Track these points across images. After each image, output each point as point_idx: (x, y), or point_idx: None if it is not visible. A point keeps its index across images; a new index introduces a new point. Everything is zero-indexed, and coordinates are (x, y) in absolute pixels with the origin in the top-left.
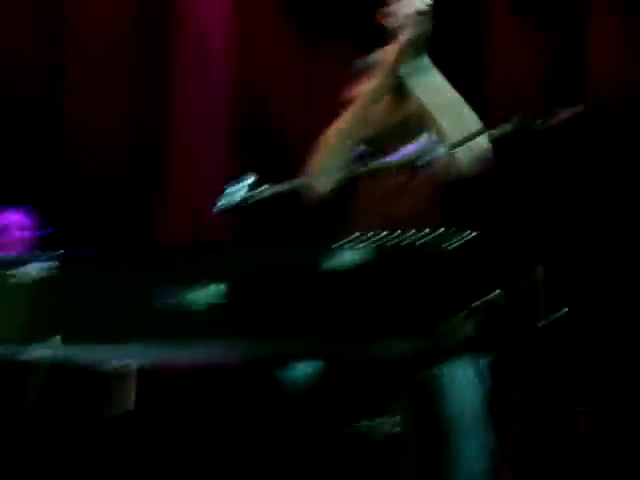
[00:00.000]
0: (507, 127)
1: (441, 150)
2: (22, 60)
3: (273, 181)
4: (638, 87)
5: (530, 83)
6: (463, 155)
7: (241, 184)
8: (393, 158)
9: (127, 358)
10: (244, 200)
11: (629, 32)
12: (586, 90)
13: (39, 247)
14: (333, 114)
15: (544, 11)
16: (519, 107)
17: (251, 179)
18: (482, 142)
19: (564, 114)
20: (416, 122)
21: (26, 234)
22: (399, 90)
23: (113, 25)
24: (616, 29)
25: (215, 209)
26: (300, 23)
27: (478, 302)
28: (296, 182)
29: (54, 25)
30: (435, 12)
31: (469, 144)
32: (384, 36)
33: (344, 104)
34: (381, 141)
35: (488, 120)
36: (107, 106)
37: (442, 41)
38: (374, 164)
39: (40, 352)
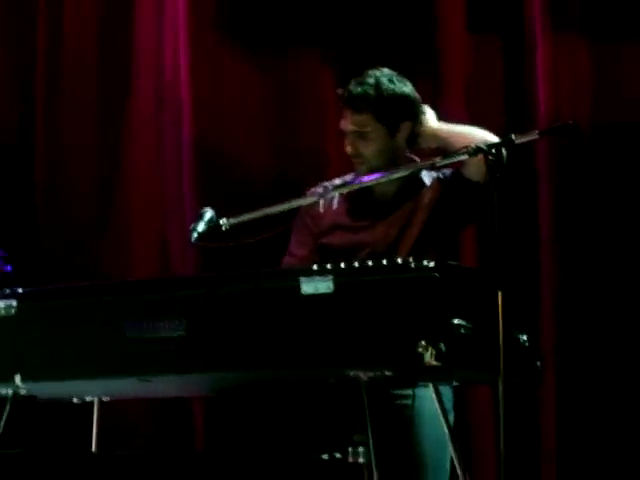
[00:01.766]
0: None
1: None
2: None
3: (232, 213)
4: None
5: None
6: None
7: (202, 217)
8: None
9: (91, 393)
10: (205, 232)
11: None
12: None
13: (1, 285)
14: (296, 148)
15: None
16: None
17: (211, 212)
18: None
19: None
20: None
21: None
22: None
23: (78, 73)
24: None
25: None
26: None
27: (441, 330)
28: (256, 212)
29: (27, 76)
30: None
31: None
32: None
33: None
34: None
35: None
36: (77, 157)
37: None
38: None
39: (2, 390)
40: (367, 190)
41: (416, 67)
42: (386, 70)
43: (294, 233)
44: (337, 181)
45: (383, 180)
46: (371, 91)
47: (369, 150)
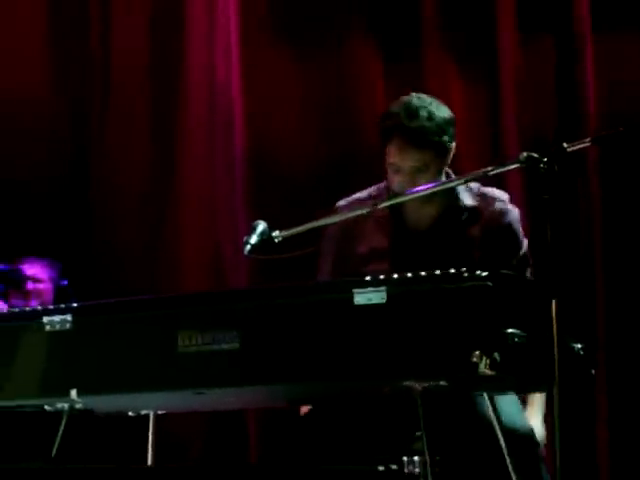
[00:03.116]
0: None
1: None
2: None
3: (286, 223)
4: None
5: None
6: None
7: (255, 230)
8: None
9: (146, 406)
10: (258, 245)
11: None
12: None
13: (57, 299)
14: (351, 149)
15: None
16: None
17: (263, 224)
18: None
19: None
20: None
21: (42, 286)
22: None
23: (130, 90)
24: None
25: (239, 254)
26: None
27: (496, 339)
28: (308, 224)
29: (85, 97)
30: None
31: None
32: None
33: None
34: None
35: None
36: (130, 164)
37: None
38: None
39: (59, 404)
40: (400, 218)
41: (473, 65)
42: (425, 96)
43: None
44: (365, 193)
45: (435, 190)
46: (429, 124)
47: (425, 182)
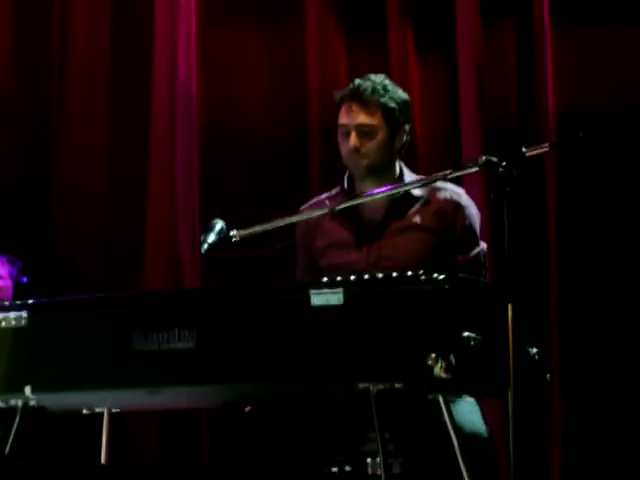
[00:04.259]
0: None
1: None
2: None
3: (245, 224)
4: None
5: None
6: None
7: (212, 228)
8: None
9: (101, 404)
10: (216, 244)
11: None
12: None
13: (17, 296)
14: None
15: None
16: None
17: (221, 223)
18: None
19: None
20: None
21: (2, 283)
22: None
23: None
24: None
25: (196, 253)
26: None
27: (451, 343)
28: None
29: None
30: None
31: None
32: None
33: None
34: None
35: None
36: (89, 163)
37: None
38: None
39: (13, 401)
40: (354, 213)
41: (434, 49)
42: (384, 76)
43: (297, 248)
44: (324, 195)
45: (393, 192)
46: (380, 89)
47: (374, 147)
